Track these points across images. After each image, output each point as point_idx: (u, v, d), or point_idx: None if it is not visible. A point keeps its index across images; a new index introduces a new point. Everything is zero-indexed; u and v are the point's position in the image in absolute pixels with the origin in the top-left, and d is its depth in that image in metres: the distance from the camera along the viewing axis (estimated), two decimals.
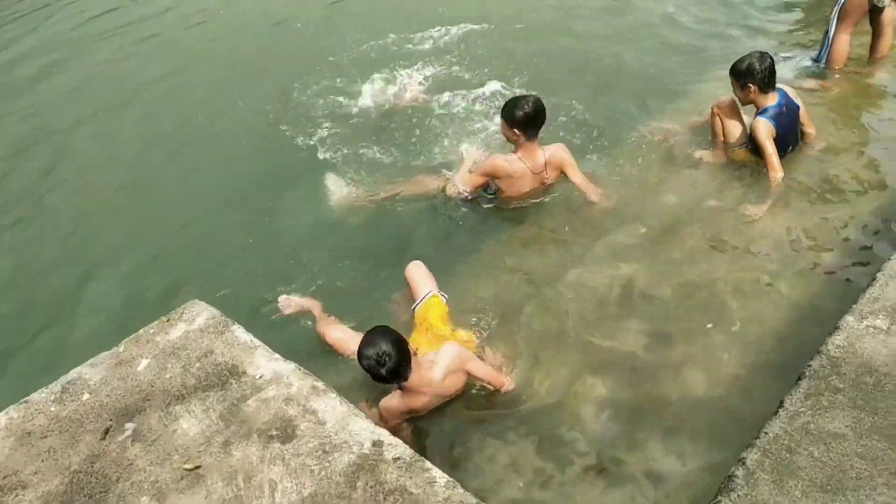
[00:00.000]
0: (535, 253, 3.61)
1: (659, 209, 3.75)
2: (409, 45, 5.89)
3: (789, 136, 3.83)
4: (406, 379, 2.60)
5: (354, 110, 5.06)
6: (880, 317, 2.32)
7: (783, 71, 4.67)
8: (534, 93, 3.78)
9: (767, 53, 3.71)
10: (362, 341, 2.56)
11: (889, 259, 2.54)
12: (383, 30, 6.16)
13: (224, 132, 5.20)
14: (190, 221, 4.31)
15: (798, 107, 3.83)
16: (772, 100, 3.72)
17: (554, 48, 5.67)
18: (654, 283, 3.29)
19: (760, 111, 3.73)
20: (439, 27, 6.09)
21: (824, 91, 4.45)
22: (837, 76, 4.49)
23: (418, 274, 3.22)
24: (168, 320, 2.58)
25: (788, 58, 4.84)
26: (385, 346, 2.50)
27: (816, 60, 4.61)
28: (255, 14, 7.33)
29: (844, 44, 4.43)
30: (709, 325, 3.00)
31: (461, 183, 3.89)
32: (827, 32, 4.49)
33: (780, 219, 3.54)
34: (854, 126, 4.17)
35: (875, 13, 4.38)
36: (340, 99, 5.23)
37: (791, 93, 3.83)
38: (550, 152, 3.77)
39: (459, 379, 2.79)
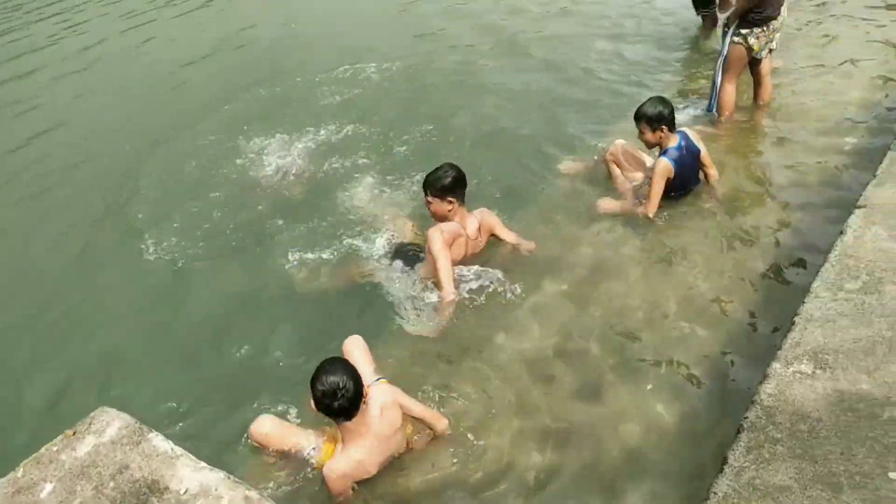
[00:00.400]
0: (461, 321, 3.55)
1: (577, 263, 3.79)
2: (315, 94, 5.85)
3: (690, 175, 4.06)
4: (351, 418, 2.55)
5: (254, 175, 4.95)
6: (804, 361, 2.39)
7: (679, 119, 4.94)
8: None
9: (664, 97, 3.99)
10: (322, 367, 2.52)
11: (802, 303, 2.64)
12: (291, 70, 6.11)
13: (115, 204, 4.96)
14: (92, 314, 4.03)
15: (699, 150, 4.03)
16: (674, 141, 3.94)
17: (449, 106, 5.79)
18: (581, 340, 3.30)
19: (663, 152, 3.92)
20: (347, 66, 6.11)
21: (716, 138, 4.71)
22: (727, 124, 4.76)
23: (358, 350, 3.08)
24: (74, 433, 2.34)
25: (683, 107, 5.11)
26: (346, 380, 2.49)
27: (708, 110, 4.87)
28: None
29: (730, 94, 4.72)
30: (648, 387, 3.01)
31: (449, 281, 3.53)
32: (714, 83, 4.77)
33: (690, 263, 3.65)
34: (746, 170, 4.41)
35: (754, 64, 4.69)
36: (238, 161, 5.12)
37: (692, 135, 4.04)
38: (481, 216, 3.80)
39: (396, 415, 2.76)
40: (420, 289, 3.61)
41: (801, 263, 3.52)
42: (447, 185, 3.57)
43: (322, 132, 5.48)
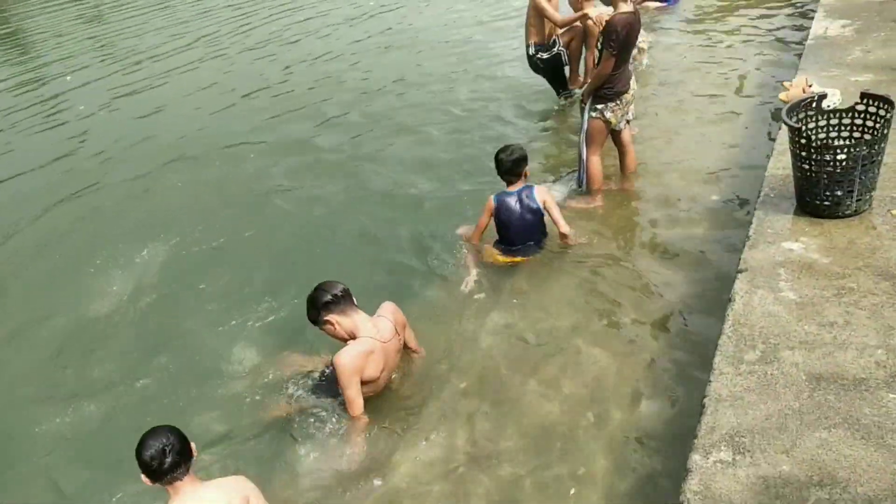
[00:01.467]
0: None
1: (470, 356, 3.63)
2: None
3: (520, 228, 4.27)
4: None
5: None
6: (722, 448, 2.28)
7: (555, 191, 4.99)
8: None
9: (517, 147, 4.29)
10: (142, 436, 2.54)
11: (709, 382, 2.56)
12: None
13: None
14: None
15: (537, 208, 4.21)
16: (511, 188, 4.27)
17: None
18: (492, 441, 3.09)
19: (498, 193, 4.29)
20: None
21: (593, 210, 4.77)
22: (599, 194, 4.84)
23: None
24: None
25: (553, 181, 5.17)
26: (169, 436, 2.53)
27: (579, 185, 4.95)
28: None
29: (596, 165, 4.81)
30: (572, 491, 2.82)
31: (358, 410, 3.23)
32: (580, 156, 4.86)
33: (576, 343, 3.57)
34: (624, 238, 4.48)
35: (615, 135, 4.83)
36: None
37: (539, 194, 4.24)
38: (391, 314, 3.43)
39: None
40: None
41: (692, 333, 3.52)
42: (327, 302, 3.26)
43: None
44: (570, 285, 4.09)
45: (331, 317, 3.25)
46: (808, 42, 5.24)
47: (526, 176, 4.34)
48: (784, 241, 3.20)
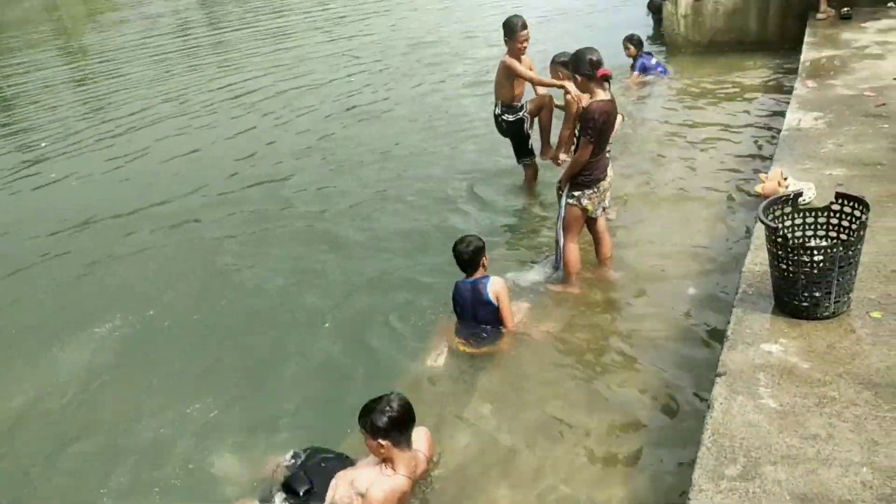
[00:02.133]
0: None
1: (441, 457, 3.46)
2: None
3: (471, 318, 4.33)
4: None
5: None
6: None
7: (532, 277, 4.94)
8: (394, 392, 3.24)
9: (474, 238, 4.31)
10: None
11: (688, 500, 2.42)
12: None
13: None
14: None
15: (488, 301, 4.22)
16: (468, 278, 4.32)
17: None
18: None
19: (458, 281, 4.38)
20: None
21: (568, 296, 4.71)
22: (575, 281, 4.79)
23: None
24: None
25: (535, 263, 5.13)
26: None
27: (555, 268, 4.90)
28: None
29: (573, 252, 4.77)
30: None
31: None
32: (557, 242, 4.82)
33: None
34: (597, 326, 4.41)
35: (590, 222, 4.80)
36: None
37: (493, 286, 4.24)
38: (423, 442, 3.30)
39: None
40: None
41: (670, 437, 3.40)
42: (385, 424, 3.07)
43: None
44: (540, 378, 4.00)
45: (388, 441, 3.07)
46: (783, 133, 5.32)
47: (485, 266, 4.32)
48: (763, 342, 3.12)
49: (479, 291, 4.26)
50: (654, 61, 8.86)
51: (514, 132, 6.23)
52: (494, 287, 4.27)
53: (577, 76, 4.32)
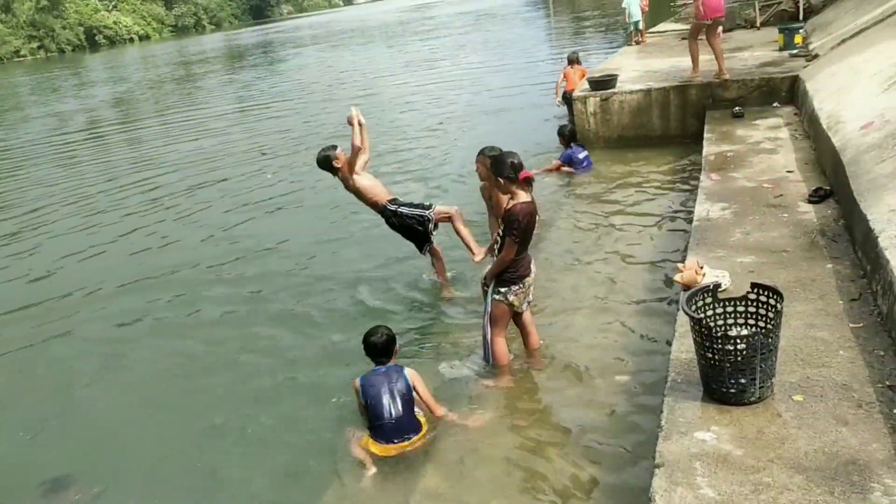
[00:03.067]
0: None
1: None
2: None
3: (389, 408, 4.20)
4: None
5: None
6: None
7: (462, 371, 4.94)
8: None
9: (384, 328, 4.42)
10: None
11: None
12: None
13: None
14: None
15: (406, 385, 4.26)
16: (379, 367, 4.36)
17: None
18: None
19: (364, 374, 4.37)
20: None
21: (499, 390, 4.73)
22: (507, 374, 4.81)
23: None
24: None
25: (462, 359, 5.12)
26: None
27: (486, 360, 4.90)
28: None
29: (501, 346, 4.82)
30: None
31: None
32: (484, 337, 4.85)
33: None
34: (532, 418, 4.41)
35: (517, 316, 4.86)
36: None
37: (406, 371, 4.33)
38: None
39: None
40: None
41: None
42: None
43: None
44: (477, 473, 3.92)
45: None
46: (694, 223, 5.62)
47: (395, 354, 4.39)
48: (696, 430, 3.17)
49: (394, 376, 4.27)
50: (582, 154, 9.27)
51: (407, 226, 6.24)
52: (411, 373, 4.32)
53: (499, 178, 4.42)
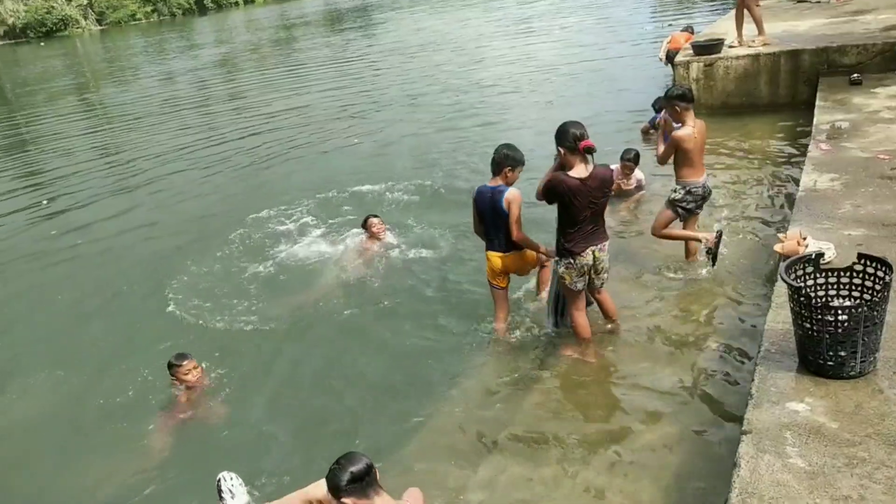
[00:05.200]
0: None
1: None
2: None
3: (486, 216, 4.72)
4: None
5: None
6: None
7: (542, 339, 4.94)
8: None
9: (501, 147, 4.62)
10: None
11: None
12: None
13: None
14: None
15: (497, 204, 4.63)
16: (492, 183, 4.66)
17: None
18: None
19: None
20: None
21: (583, 360, 4.73)
22: (588, 345, 4.80)
23: None
24: None
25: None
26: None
27: (554, 326, 4.96)
28: None
29: (578, 317, 4.70)
30: None
31: None
32: (548, 304, 4.97)
33: None
34: (619, 386, 4.37)
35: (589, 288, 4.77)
36: None
37: (506, 194, 4.60)
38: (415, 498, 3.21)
39: None
40: None
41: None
42: (349, 481, 2.94)
43: None
44: (561, 431, 3.95)
45: (349, 499, 2.94)
46: (799, 194, 5.36)
47: (507, 178, 4.67)
48: (789, 401, 3.09)
49: (495, 199, 4.61)
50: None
51: None
52: (508, 196, 4.58)
53: (559, 149, 4.31)
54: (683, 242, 5.63)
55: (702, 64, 9.68)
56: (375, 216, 6.93)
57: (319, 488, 3.16)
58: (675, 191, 5.30)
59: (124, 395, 4.99)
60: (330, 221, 7.73)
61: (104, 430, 4.69)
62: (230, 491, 3.71)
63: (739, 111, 9.51)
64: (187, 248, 7.56)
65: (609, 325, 4.91)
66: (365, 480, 2.94)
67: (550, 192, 4.32)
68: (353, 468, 2.92)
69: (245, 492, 3.75)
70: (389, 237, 6.92)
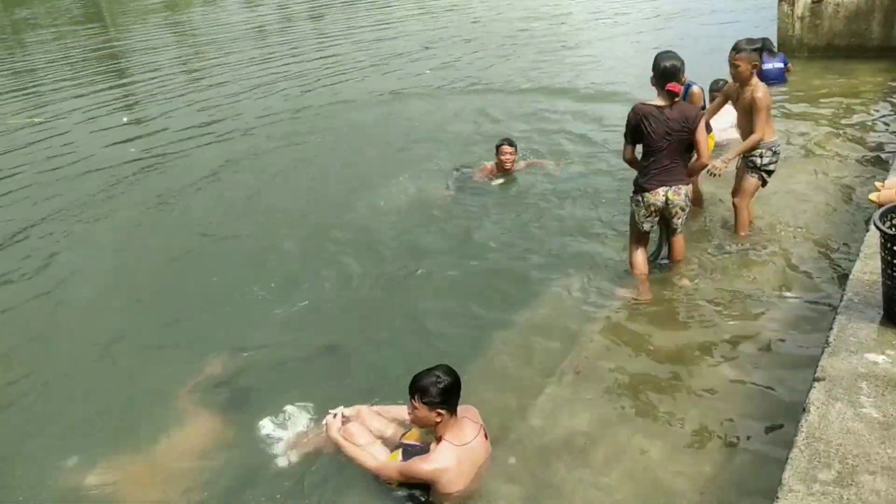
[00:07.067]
0: None
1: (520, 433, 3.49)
2: None
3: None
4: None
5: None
6: None
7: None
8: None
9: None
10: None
11: (776, 499, 2.36)
12: None
13: None
14: None
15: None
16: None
17: None
18: None
19: None
20: None
21: (631, 297, 4.63)
22: (643, 282, 4.71)
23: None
24: None
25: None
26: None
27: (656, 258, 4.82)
28: None
29: (637, 254, 4.66)
30: None
31: None
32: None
33: None
34: (685, 329, 4.30)
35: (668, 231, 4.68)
36: None
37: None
38: (474, 415, 3.32)
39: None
40: None
41: (760, 443, 3.30)
42: (435, 393, 3.09)
43: None
44: (628, 367, 3.93)
45: (443, 409, 3.12)
46: None
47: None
48: (868, 352, 2.98)
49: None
50: (767, 66, 8.41)
51: None
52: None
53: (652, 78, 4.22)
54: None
55: (809, 0, 9.04)
56: (511, 143, 6.67)
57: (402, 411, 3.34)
58: (760, 155, 4.78)
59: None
60: None
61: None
62: (269, 436, 3.72)
63: (846, 54, 8.89)
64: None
65: (672, 269, 4.76)
66: (457, 394, 3.14)
67: (628, 121, 4.22)
68: (449, 380, 3.11)
69: (309, 421, 3.80)
70: (521, 167, 6.75)
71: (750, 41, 4.67)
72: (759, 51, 5.19)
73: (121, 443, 3.87)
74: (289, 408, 3.86)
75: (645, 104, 4.19)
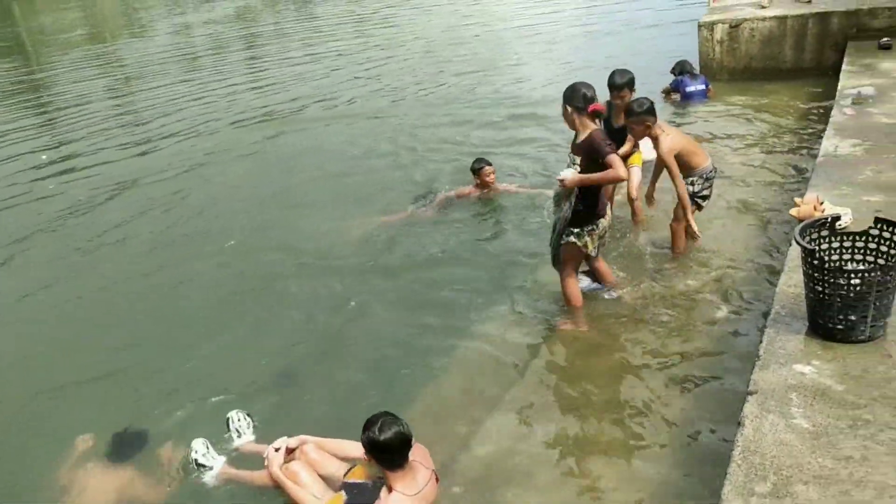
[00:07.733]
0: None
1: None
2: None
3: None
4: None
5: None
6: None
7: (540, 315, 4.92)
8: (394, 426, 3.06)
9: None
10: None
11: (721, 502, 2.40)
12: None
13: None
14: None
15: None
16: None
17: None
18: None
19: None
20: None
21: (572, 329, 4.71)
22: (580, 314, 4.79)
23: None
24: None
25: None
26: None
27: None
28: None
29: (573, 286, 4.66)
30: None
31: None
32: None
33: None
34: (613, 342, 4.37)
35: (589, 261, 4.75)
36: None
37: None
38: (422, 457, 3.23)
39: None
40: None
41: (698, 453, 3.37)
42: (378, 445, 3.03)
43: None
44: (567, 391, 3.98)
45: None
46: (819, 158, 5.28)
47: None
48: (796, 363, 3.09)
49: None
50: (691, 89, 8.79)
51: None
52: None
53: (567, 107, 4.21)
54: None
55: (727, 25, 9.46)
56: (489, 164, 6.71)
57: (356, 448, 3.21)
58: (692, 183, 4.88)
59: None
60: None
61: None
62: (237, 430, 3.80)
63: (762, 76, 9.32)
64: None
65: (608, 293, 4.83)
66: (407, 448, 3.04)
67: (604, 142, 4.09)
68: (397, 432, 2.99)
69: (252, 432, 3.85)
70: (501, 188, 6.76)
71: (639, 104, 4.76)
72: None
73: None
74: (232, 414, 3.90)
75: (597, 130, 4.20)
